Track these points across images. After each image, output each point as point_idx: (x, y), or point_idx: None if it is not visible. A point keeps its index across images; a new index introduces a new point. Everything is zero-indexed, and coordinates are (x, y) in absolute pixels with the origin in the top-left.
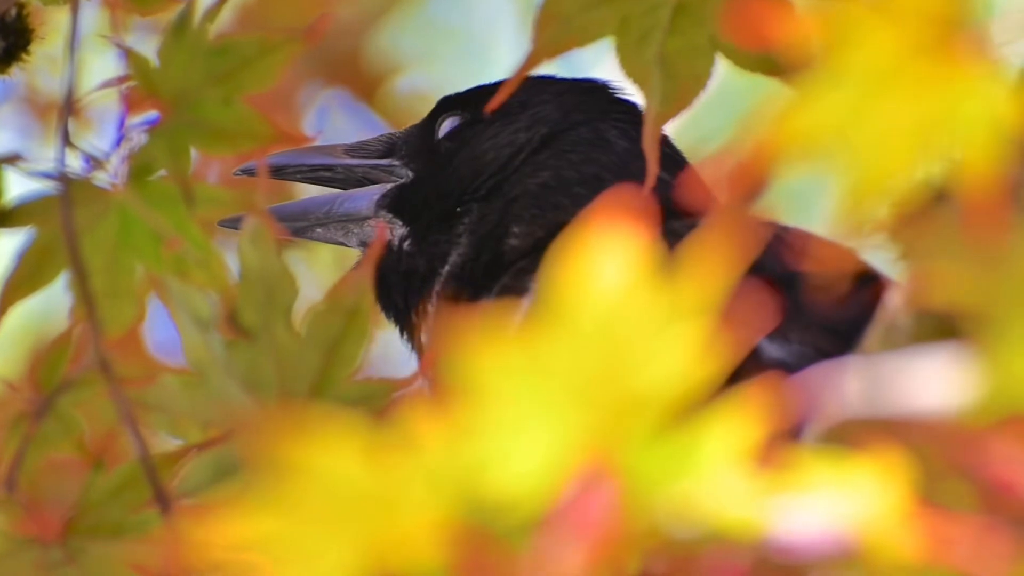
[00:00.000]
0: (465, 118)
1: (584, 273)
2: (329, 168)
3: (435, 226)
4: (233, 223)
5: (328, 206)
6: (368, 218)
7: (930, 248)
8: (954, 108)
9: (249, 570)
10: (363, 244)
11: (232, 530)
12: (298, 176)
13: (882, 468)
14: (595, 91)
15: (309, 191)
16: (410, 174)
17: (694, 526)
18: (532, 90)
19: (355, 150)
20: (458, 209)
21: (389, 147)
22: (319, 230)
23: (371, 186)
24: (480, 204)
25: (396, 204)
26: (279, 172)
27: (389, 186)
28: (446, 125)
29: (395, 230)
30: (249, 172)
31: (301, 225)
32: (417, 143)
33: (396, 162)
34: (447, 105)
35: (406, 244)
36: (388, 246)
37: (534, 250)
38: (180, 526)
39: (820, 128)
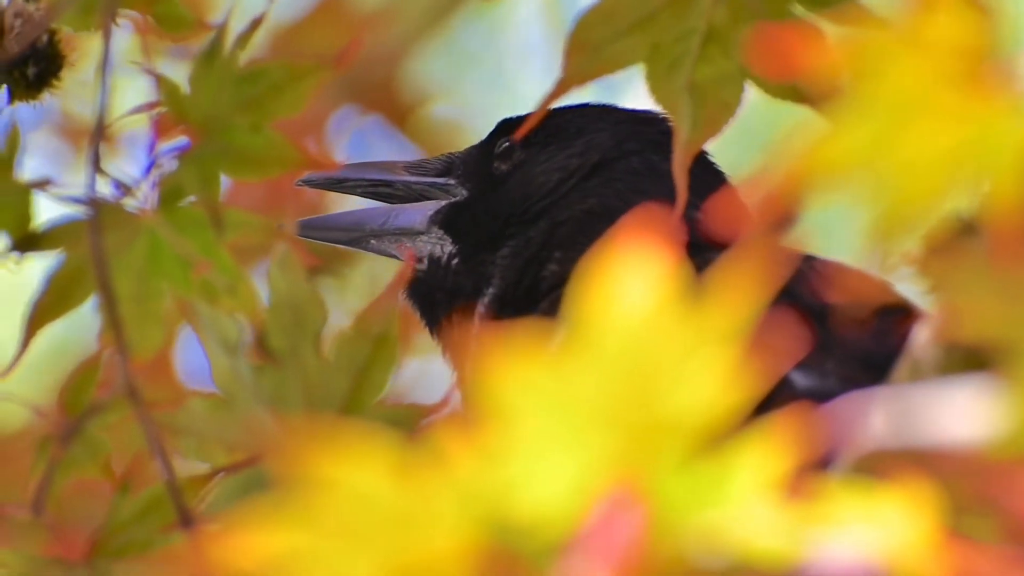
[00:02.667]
0: (521, 141)
1: (611, 296)
2: (388, 184)
3: (483, 246)
4: (312, 182)
5: (383, 219)
6: (421, 233)
7: (958, 280)
8: (982, 139)
9: None
10: (415, 258)
11: (260, 545)
12: (358, 190)
13: (910, 499)
14: (652, 122)
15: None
16: (465, 193)
17: (721, 555)
18: (589, 117)
19: (414, 167)
20: (506, 231)
21: (447, 166)
22: (373, 242)
23: (426, 202)
24: (526, 227)
25: (448, 221)
26: (341, 184)
27: (443, 203)
28: (503, 147)
29: (445, 247)
30: (310, 183)
31: (356, 236)
32: (474, 163)
33: (452, 181)
34: (506, 128)
35: (454, 262)
36: (436, 261)
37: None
38: (206, 545)
39: (848, 158)
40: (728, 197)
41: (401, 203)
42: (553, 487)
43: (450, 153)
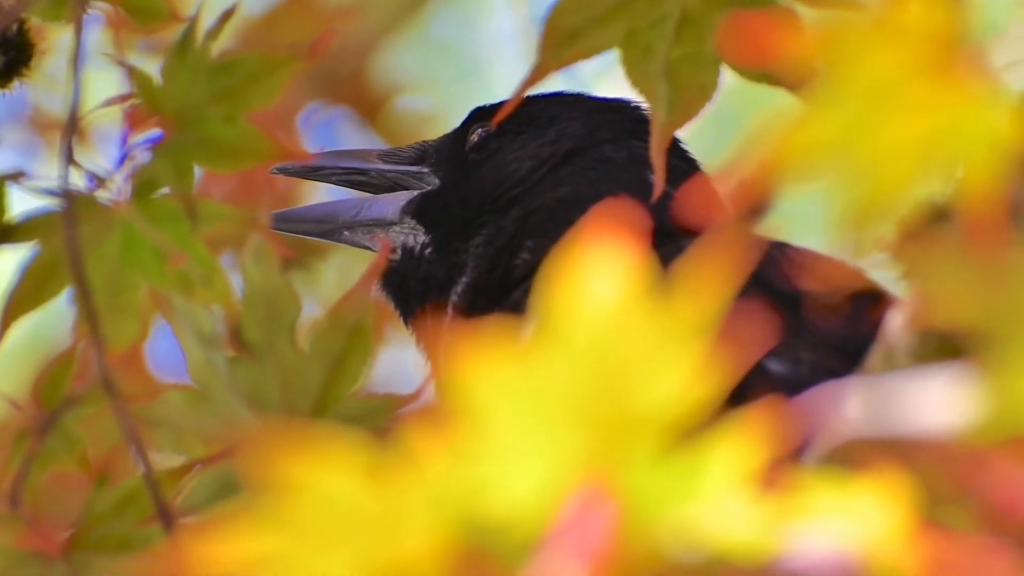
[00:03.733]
0: (494, 130)
1: (579, 289)
2: (363, 172)
3: (455, 235)
4: (288, 170)
5: (356, 210)
6: (394, 224)
7: (932, 267)
8: (955, 126)
9: None
10: (389, 249)
11: (234, 547)
12: (333, 178)
13: (884, 489)
14: (624, 110)
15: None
16: (437, 182)
17: (696, 549)
18: (562, 106)
19: (388, 156)
20: (478, 219)
21: (421, 154)
22: (346, 233)
23: (398, 192)
24: (499, 215)
25: (420, 211)
26: (316, 172)
27: (416, 193)
28: (476, 136)
29: (418, 237)
30: (286, 171)
31: (328, 228)
32: (447, 152)
33: (426, 169)
34: (479, 116)
35: (427, 251)
36: (410, 251)
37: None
38: (183, 542)
39: (821, 145)
40: (700, 185)
41: (375, 191)
42: (525, 484)
43: (424, 141)
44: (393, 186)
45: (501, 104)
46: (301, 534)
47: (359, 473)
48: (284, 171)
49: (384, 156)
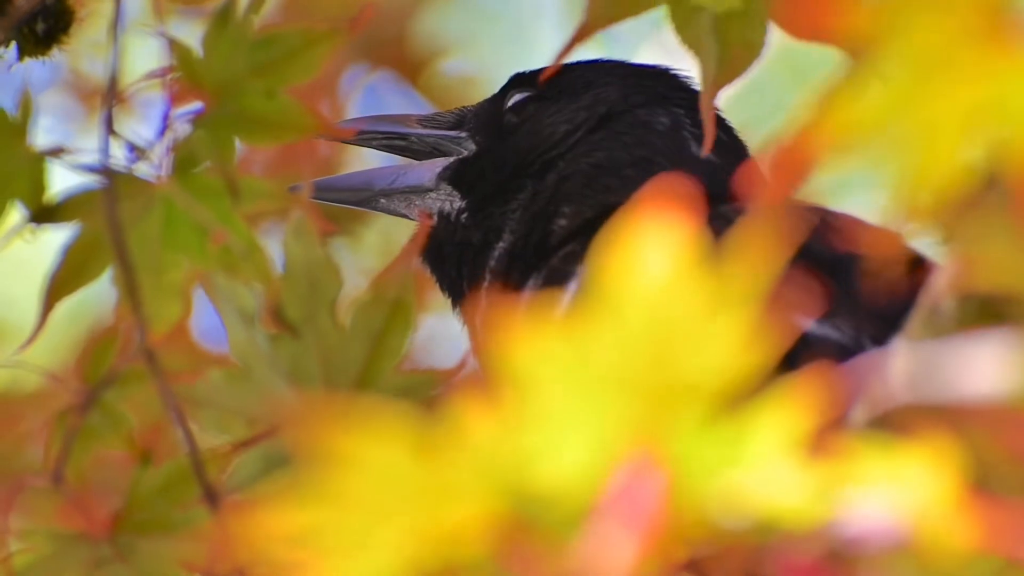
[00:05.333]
0: (532, 94)
1: (631, 261)
2: (404, 137)
3: (491, 200)
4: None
5: (392, 178)
6: (430, 190)
7: (977, 233)
8: (1003, 94)
9: (298, 564)
10: (425, 215)
11: (281, 522)
12: (374, 143)
13: (933, 455)
14: (660, 76)
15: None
16: (475, 147)
17: (744, 516)
18: (599, 71)
19: (428, 121)
20: (513, 183)
21: (460, 119)
22: (383, 201)
23: (435, 158)
24: (534, 180)
25: (457, 176)
26: (358, 137)
27: (452, 159)
28: (514, 100)
29: (453, 203)
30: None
31: (365, 196)
32: (485, 117)
33: (464, 134)
34: (518, 81)
35: (463, 216)
36: (446, 217)
37: (582, 232)
38: (229, 522)
39: (869, 115)
40: (744, 155)
41: (415, 156)
42: (573, 455)
43: (463, 107)
44: (432, 151)
45: (540, 70)
46: (349, 506)
47: (407, 445)
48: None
49: (424, 121)
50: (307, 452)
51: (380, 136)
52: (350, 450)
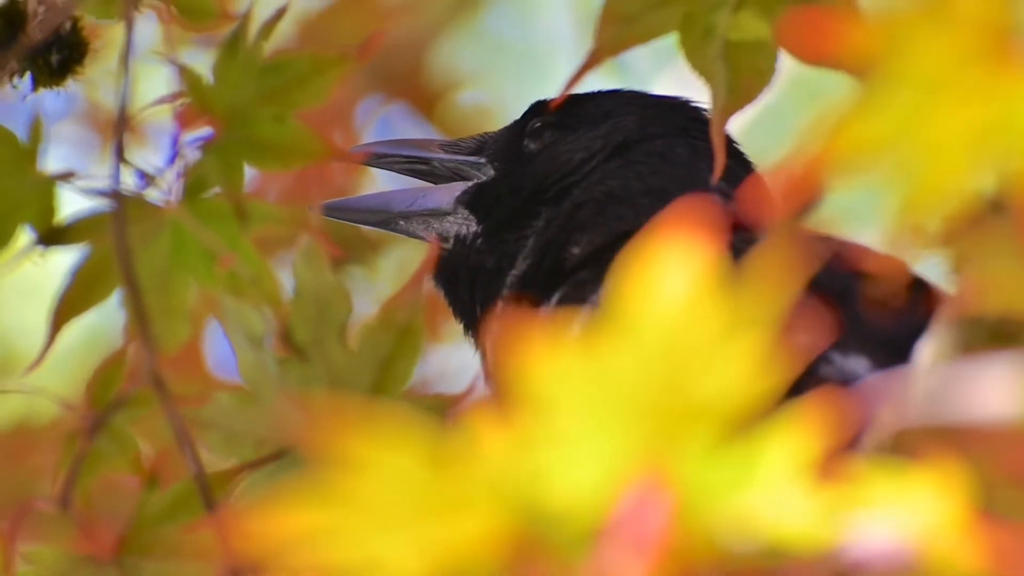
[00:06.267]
0: (552, 122)
1: (649, 284)
2: (425, 161)
3: (507, 225)
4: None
5: (411, 200)
6: (448, 214)
7: (984, 256)
8: (1008, 116)
9: (309, 567)
10: (441, 238)
11: (291, 523)
12: (396, 166)
13: (941, 478)
14: (680, 108)
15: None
16: (493, 173)
17: (753, 539)
18: (618, 101)
19: (449, 146)
20: (529, 209)
21: (481, 145)
22: (402, 223)
23: (454, 182)
24: (550, 207)
25: (474, 201)
26: (379, 160)
27: (471, 183)
28: (533, 127)
29: (470, 227)
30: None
31: (384, 217)
32: (505, 143)
33: (484, 160)
34: (538, 109)
35: (478, 241)
36: (462, 241)
37: (593, 259)
38: (235, 529)
39: (875, 138)
40: (755, 181)
41: (435, 180)
42: (584, 473)
43: (484, 133)
44: (452, 176)
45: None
46: (359, 511)
47: (421, 455)
48: (344, 159)
49: (445, 146)
50: (320, 457)
51: (403, 160)
52: (364, 456)
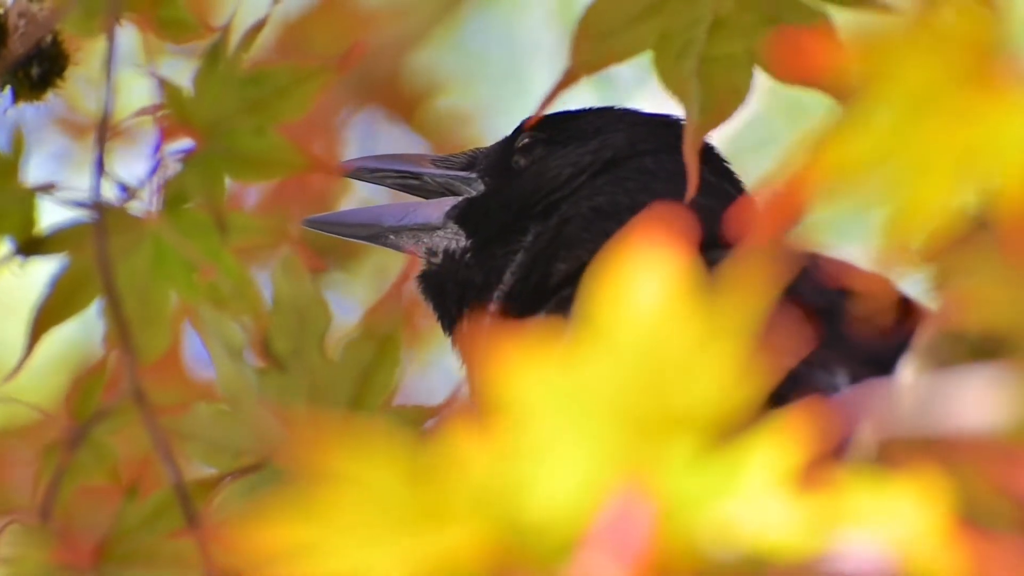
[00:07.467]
0: (541, 138)
1: (624, 291)
2: (417, 176)
3: (495, 240)
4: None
5: (402, 215)
6: (438, 228)
7: (968, 272)
8: (992, 135)
9: None
10: (431, 253)
11: (271, 538)
12: (387, 181)
13: (922, 489)
14: (670, 126)
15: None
16: (483, 188)
17: (734, 549)
18: (609, 118)
19: (440, 161)
20: (517, 225)
21: (472, 160)
22: (391, 237)
23: (444, 197)
24: (538, 222)
25: (464, 216)
26: (371, 174)
27: (461, 198)
28: (523, 143)
29: (459, 241)
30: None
31: (374, 231)
32: (496, 158)
33: (474, 175)
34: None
35: (467, 256)
36: (451, 255)
37: (579, 275)
38: (215, 542)
39: (860, 156)
40: (741, 199)
41: (426, 195)
42: (565, 484)
43: (475, 148)
44: (443, 191)
45: (552, 115)
46: (340, 523)
47: (401, 468)
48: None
49: (437, 161)
50: (299, 472)
51: (394, 174)
52: (343, 470)
